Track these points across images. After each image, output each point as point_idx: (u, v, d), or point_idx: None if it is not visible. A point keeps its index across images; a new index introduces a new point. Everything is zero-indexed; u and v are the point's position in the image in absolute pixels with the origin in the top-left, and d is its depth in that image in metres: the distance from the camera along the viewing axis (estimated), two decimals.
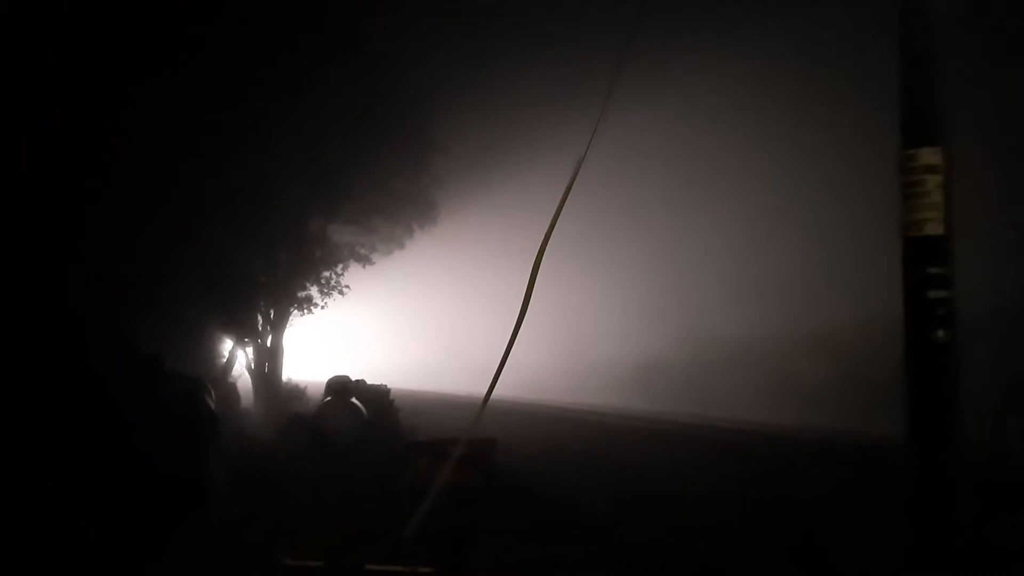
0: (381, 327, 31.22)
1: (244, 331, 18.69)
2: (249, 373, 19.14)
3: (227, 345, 18.90)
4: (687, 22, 16.28)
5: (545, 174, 21.89)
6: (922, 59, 4.93)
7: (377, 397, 14.24)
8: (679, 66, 18.08)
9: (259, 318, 19.19)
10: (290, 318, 20.14)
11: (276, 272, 18.83)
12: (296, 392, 19.52)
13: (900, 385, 4.72)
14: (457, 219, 25.68)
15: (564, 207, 5.57)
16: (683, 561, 6.72)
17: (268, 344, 19.44)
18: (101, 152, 12.10)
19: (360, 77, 17.01)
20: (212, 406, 7.54)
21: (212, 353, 18.14)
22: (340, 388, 13.41)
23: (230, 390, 17.45)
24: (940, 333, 4.63)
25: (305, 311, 20.49)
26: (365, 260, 21.73)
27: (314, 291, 20.34)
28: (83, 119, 11.40)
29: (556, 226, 5.56)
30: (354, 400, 12.92)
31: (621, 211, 21.92)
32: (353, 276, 21.63)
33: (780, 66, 17.49)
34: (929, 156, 4.80)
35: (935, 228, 4.73)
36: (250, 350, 19.12)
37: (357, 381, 14.20)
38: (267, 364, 19.27)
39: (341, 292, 21.10)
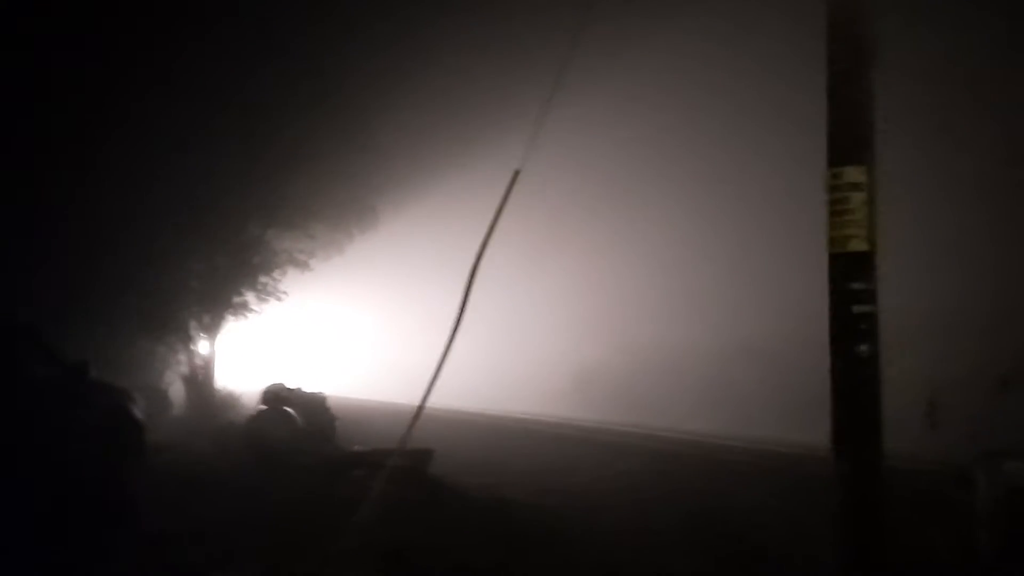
0: (319, 334, 30.82)
1: (177, 337, 18.30)
2: (182, 381, 18.75)
3: (160, 352, 18.48)
4: (621, 40, 16.49)
5: (486, 181, 21.83)
6: (848, 80, 5.05)
7: (313, 405, 14.06)
8: (617, 82, 18.32)
9: (193, 324, 18.81)
10: (226, 324, 19.80)
11: (212, 277, 18.49)
12: (230, 400, 19.18)
13: (827, 396, 4.83)
14: (397, 226, 25.53)
15: (501, 215, 5.59)
16: (624, 569, 6.75)
17: (202, 351, 19.07)
18: (26, 156, 11.76)
19: (301, 82, 16.84)
20: (139, 416, 7.37)
21: (144, 361, 17.71)
22: (275, 396, 13.26)
23: (161, 398, 17.06)
24: (863, 347, 4.74)
25: (241, 317, 20.18)
26: (304, 266, 21.48)
27: (251, 297, 20.04)
28: (4, 122, 11.07)
29: (493, 235, 5.58)
30: (289, 408, 12.76)
31: (558, 221, 22.08)
32: (291, 282, 21.37)
33: (714, 83, 17.84)
34: (854, 174, 4.91)
35: (859, 244, 4.84)
36: (183, 357, 18.72)
37: (293, 389, 14.03)
38: (201, 371, 18.89)
39: (279, 298, 20.83)
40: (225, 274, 18.92)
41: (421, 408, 5.60)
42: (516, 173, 5.49)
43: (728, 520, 9.10)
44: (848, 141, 5.01)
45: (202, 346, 19.18)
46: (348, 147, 18.71)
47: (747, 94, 17.01)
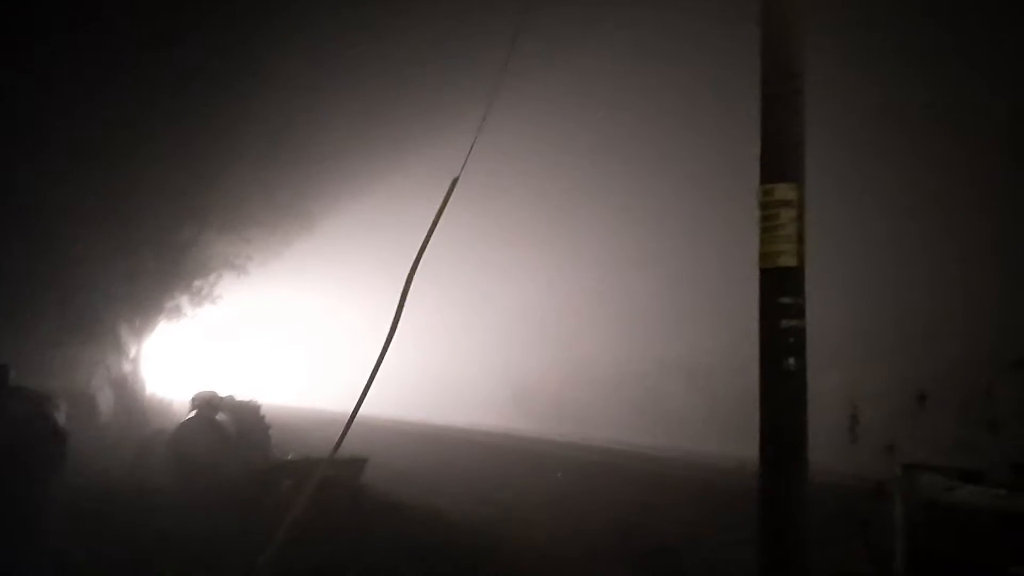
0: (254, 340, 30.25)
1: (105, 341, 17.77)
2: (110, 386, 18.19)
3: (86, 356, 17.91)
4: (556, 56, 16.64)
5: (424, 190, 21.77)
6: (780, 101, 5.16)
7: (246, 413, 13.77)
8: (553, 97, 18.46)
9: (122, 327, 18.29)
10: (157, 328, 19.32)
11: (141, 279, 18.01)
12: (160, 407, 18.67)
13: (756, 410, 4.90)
14: (335, 232, 25.24)
15: (438, 224, 5.57)
16: None
17: (132, 355, 18.55)
18: None
19: (238, 85, 16.56)
20: (61, 422, 7.11)
21: (69, 365, 17.14)
22: (206, 403, 12.95)
23: (87, 405, 16.51)
24: (791, 360, 4.83)
25: (173, 321, 19.72)
26: (240, 270, 21.05)
27: (184, 300, 19.60)
28: None
29: (430, 243, 5.55)
30: (220, 416, 12.49)
31: (497, 232, 22.12)
32: (226, 286, 20.96)
33: (651, 101, 18.10)
34: (785, 192, 5.00)
35: (788, 260, 4.93)
36: (112, 362, 18.18)
37: (225, 396, 13.73)
38: (130, 377, 18.37)
39: (213, 302, 20.41)
40: (156, 277, 18.45)
41: (353, 416, 5.53)
42: (454, 181, 5.47)
43: (657, 531, 9.21)
44: (779, 160, 5.11)
45: (131, 350, 18.66)
46: (285, 151, 18.45)
47: (683, 111, 17.29)
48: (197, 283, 19.78)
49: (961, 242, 11.61)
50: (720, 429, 14.39)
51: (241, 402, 14.13)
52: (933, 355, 8.87)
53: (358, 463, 9.88)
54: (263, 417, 14.59)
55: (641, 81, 18.11)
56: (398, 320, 5.38)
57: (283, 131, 17.87)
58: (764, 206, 5.08)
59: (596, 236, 20.87)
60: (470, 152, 5.62)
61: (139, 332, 18.83)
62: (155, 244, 17.83)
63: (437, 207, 5.59)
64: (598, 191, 20.40)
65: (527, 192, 20.59)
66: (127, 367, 18.33)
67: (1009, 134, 10.71)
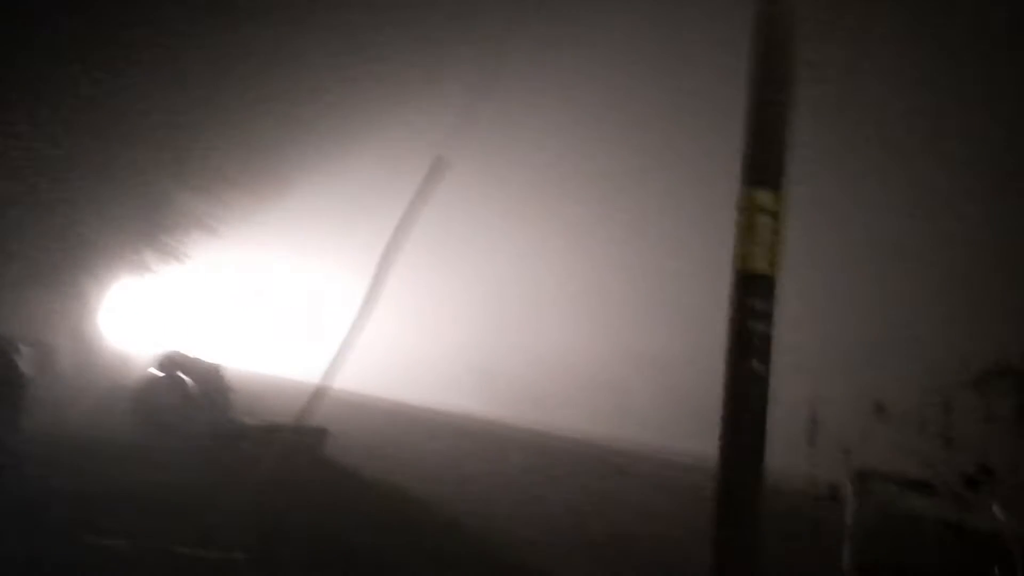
0: (221, 301, 29.93)
1: (68, 290, 17.51)
2: (71, 337, 17.94)
3: (48, 304, 17.63)
4: (546, 49, 16.64)
5: (401, 161, 21.73)
6: (766, 109, 5.23)
7: (209, 375, 13.67)
8: (537, 90, 18.43)
9: (86, 278, 18.03)
10: (122, 281, 19.08)
11: (109, 231, 17.73)
12: (122, 362, 18.47)
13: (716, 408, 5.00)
14: (312, 197, 25.02)
15: (416, 208, 5.58)
16: (511, 563, 6.84)
17: (93, 307, 18.31)
18: None
19: (219, 46, 16.33)
20: (21, 368, 7.04)
21: (31, 312, 16.88)
22: (170, 362, 12.87)
23: (47, 353, 16.29)
24: (756, 363, 4.92)
25: (139, 276, 19.49)
26: (211, 230, 20.82)
27: (150, 256, 19.36)
28: None
29: (401, 226, 5.56)
30: (183, 376, 12.42)
31: (468, 213, 22.11)
32: (196, 245, 20.73)
33: (637, 96, 18.15)
34: (765, 198, 5.08)
35: (763, 266, 5.01)
36: (72, 311, 17.92)
37: (189, 356, 13.64)
38: (92, 329, 18.14)
39: (180, 260, 20.18)
40: (124, 229, 18.19)
41: (320, 387, 5.56)
42: (438, 159, 5.48)
43: (613, 519, 9.36)
44: (762, 166, 5.18)
45: (93, 301, 18.43)
46: (265, 114, 18.25)
47: (670, 109, 17.36)
48: (165, 239, 19.53)
49: (926, 259, 11.88)
50: (681, 424, 14.59)
51: (205, 363, 14.05)
52: (893, 368, 9.09)
53: (318, 433, 9.89)
54: (225, 380, 14.52)
55: (629, 78, 18.15)
56: (375, 294, 5.39)
57: (264, 94, 17.67)
58: (743, 210, 5.15)
59: (569, 224, 20.91)
60: (456, 131, 5.65)
61: (102, 283, 18.59)
62: (125, 196, 17.57)
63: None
64: (575, 180, 20.44)
65: (503, 175, 20.58)
66: (89, 319, 18.10)
67: (990, 154, 10.96)
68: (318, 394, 5.60)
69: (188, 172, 18.64)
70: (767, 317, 5.05)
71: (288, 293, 32.35)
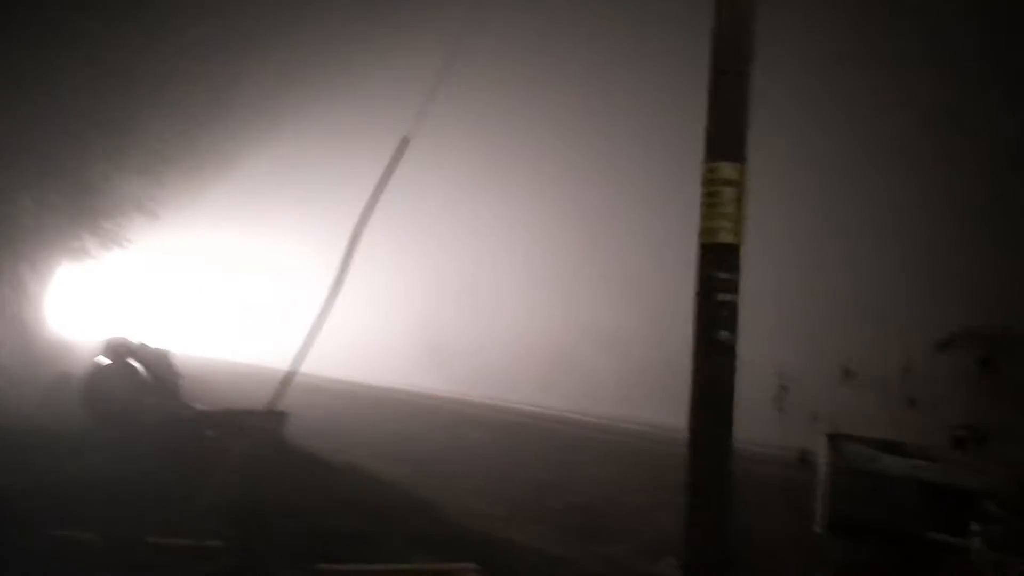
0: (166, 287, 29.35)
1: (6, 280, 16.99)
2: (12, 328, 17.41)
3: None
4: (499, 33, 16.57)
5: (355, 139, 21.52)
6: (728, 81, 5.32)
7: (158, 361, 13.43)
8: (497, 68, 18.32)
9: (24, 265, 17.51)
10: (61, 269, 18.59)
11: (47, 216, 17.23)
12: (64, 350, 18.02)
13: (683, 378, 5.11)
14: (259, 180, 24.58)
15: (382, 189, 5.56)
16: (477, 537, 6.91)
17: (33, 294, 17.80)
18: None
19: (159, 21, 15.87)
20: None
21: None
22: (118, 349, 12.58)
23: None
24: (724, 333, 5.05)
25: (79, 262, 19.00)
26: (152, 214, 20.36)
27: (91, 242, 18.89)
28: None
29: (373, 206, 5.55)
30: (133, 362, 12.17)
31: (419, 190, 21.99)
32: (138, 230, 20.27)
33: (598, 70, 18.15)
34: (728, 171, 5.19)
35: (727, 237, 5.14)
36: (13, 302, 17.40)
37: (137, 343, 13.37)
38: (32, 317, 17.64)
39: (122, 246, 19.74)
40: (62, 214, 17.69)
41: (291, 373, 5.53)
42: (405, 140, 5.46)
43: (574, 490, 9.50)
44: (725, 139, 5.29)
45: (33, 289, 17.91)
46: (210, 93, 17.85)
47: (631, 85, 17.38)
48: (106, 224, 19.06)
49: (892, 227, 12.21)
50: (645, 396, 14.80)
51: (153, 349, 13.79)
52: (859, 334, 9.36)
53: (280, 416, 9.80)
54: (174, 366, 14.28)
55: (589, 52, 18.13)
56: (343, 276, 5.36)
57: (207, 71, 17.26)
58: (708, 183, 5.26)
59: (527, 201, 20.93)
60: (419, 112, 5.62)
61: (41, 270, 18.09)
62: (63, 180, 17.06)
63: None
64: (534, 159, 20.43)
65: (455, 151, 20.47)
66: (29, 307, 17.60)
67: (951, 120, 11.26)
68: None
69: (127, 154, 18.18)
70: (733, 287, 5.18)
71: (234, 277, 31.86)
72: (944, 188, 11.07)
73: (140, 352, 12.78)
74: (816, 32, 12.62)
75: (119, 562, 4.65)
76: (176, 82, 17.05)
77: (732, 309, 5.15)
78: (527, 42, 18.84)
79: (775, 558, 4.71)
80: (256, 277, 31.05)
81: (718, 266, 5.19)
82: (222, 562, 4.92)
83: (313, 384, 15.39)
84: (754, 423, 4.89)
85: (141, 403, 10.50)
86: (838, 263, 12.42)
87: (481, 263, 23.02)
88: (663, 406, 10.01)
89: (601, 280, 18.75)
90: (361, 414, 15.91)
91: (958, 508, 3.85)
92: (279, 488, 7.46)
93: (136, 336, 13.80)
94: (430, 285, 24.87)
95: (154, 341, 14.49)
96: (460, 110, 16.35)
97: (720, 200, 5.18)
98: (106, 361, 12.02)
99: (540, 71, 19.20)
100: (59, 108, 15.40)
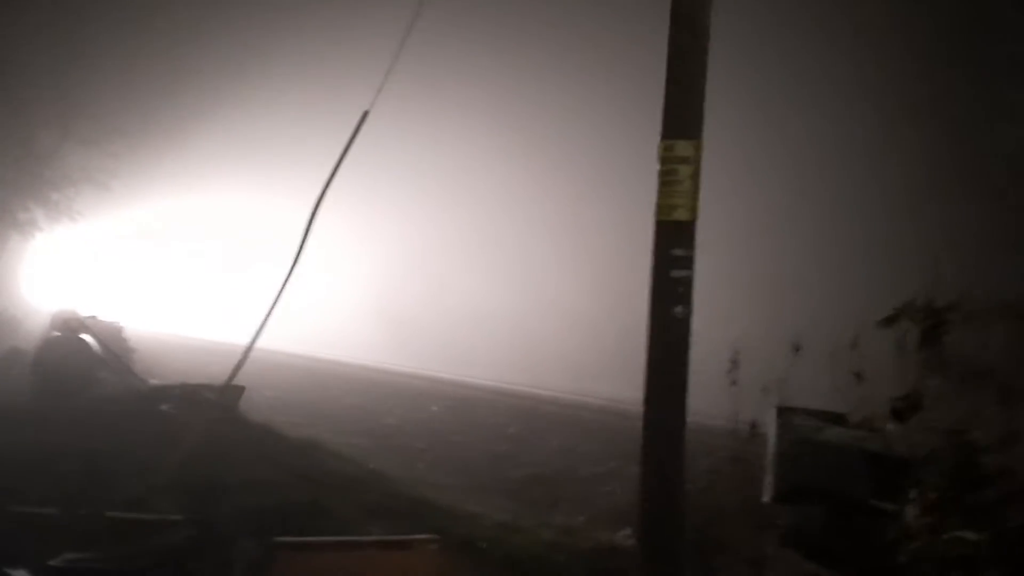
0: (116, 260, 28.74)
1: None
2: None
3: None
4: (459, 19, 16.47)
5: (306, 110, 21.28)
6: (685, 57, 5.38)
7: (109, 335, 13.24)
8: (456, 42, 18.19)
9: None
10: (9, 241, 18.18)
11: None
12: (15, 324, 17.62)
13: (639, 353, 5.20)
14: (215, 153, 24.12)
15: (341, 163, 5.56)
16: (436, 509, 6.98)
17: None
18: None
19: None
20: None
21: None
22: (69, 323, 12.38)
23: None
24: (679, 309, 5.15)
25: (28, 235, 18.60)
26: (103, 186, 19.94)
27: (39, 214, 18.49)
28: None
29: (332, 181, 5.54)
30: (85, 336, 11.99)
31: (378, 164, 21.83)
32: (88, 202, 19.85)
33: (556, 47, 18.15)
34: (684, 148, 5.26)
35: (683, 214, 5.22)
36: None
37: (88, 316, 13.17)
38: None
39: (72, 218, 19.35)
40: (10, 187, 17.28)
41: (249, 348, 5.53)
42: (364, 114, 5.45)
43: (531, 461, 9.65)
44: (681, 117, 5.35)
45: None
46: (162, 65, 17.48)
47: (590, 63, 17.42)
48: (55, 197, 18.65)
49: (842, 208, 12.50)
50: (597, 370, 14.98)
51: (104, 323, 13.60)
52: (810, 310, 9.59)
53: (236, 390, 9.74)
54: (126, 340, 14.10)
55: (553, 29, 18.08)
56: (302, 253, 5.36)
57: (161, 41, 16.92)
58: (664, 161, 5.32)
59: (485, 177, 20.90)
60: (380, 85, 5.61)
61: None
62: (11, 153, 16.66)
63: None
64: (493, 134, 20.38)
65: (414, 126, 20.31)
66: None
67: (905, 95, 11.49)
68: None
69: (73, 125, 17.80)
70: (688, 263, 5.27)
71: (190, 250, 31.34)
72: (894, 165, 11.36)
73: (91, 326, 12.60)
74: (774, 15, 12.79)
75: (78, 537, 4.64)
76: (126, 51, 16.70)
77: (687, 285, 5.23)
78: (488, 17, 18.75)
79: (726, 526, 4.87)
80: (213, 250, 30.59)
81: (673, 243, 5.26)
82: (180, 535, 4.93)
83: (272, 359, 15.29)
84: (707, 396, 5.01)
85: (93, 377, 10.36)
86: (790, 243, 12.71)
87: (442, 240, 22.99)
88: (619, 380, 10.18)
89: (560, 257, 18.87)
90: (317, 389, 15.87)
91: (897, 475, 4.03)
92: (236, 462, 7.45)
93: (87, 310, 13.60)
94: (391, 260, 24.76)
95: (106, 315, 14.30)
96: (421, 85, 16.25)
97: (676, 178, 5.24)
98: (57, 335, 11.84)
99: (500, 48, 19.13)
100: (4, 76, 15.03)
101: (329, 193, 6.12)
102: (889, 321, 4.31)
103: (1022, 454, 3.95)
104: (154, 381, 11.51)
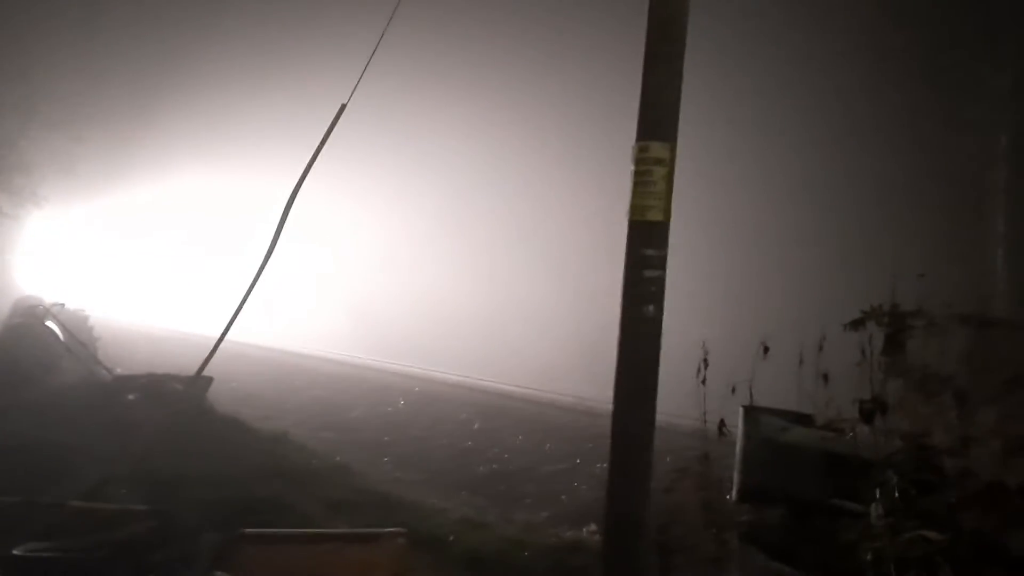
0: (83, 248, 28.27)
1: None
2: None
3: None
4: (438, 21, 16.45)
5: (282, 97, 21.10)
6: (661, 59, 5.42)
7: (74, 323, 13.04)
8: (432, 39, 18.15)
9: None
10: None
11: None
12: None
13: (609, 352, 5.24)
14: (185, 140, 23.81)
15: (316, 157, 5.52)
16: (400, 503, 7.00)
17: None
18: None
19: None
20: None
21: None
22: (32, 309, 12.19)
23: None
24: (650, 308, 5.19)
25: None
26: (69, 171, 19.62)
27: (3, 199, 18.16)
28: None
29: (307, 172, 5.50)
30: (50, 324, 11.81)
31: (344, 156, 21.70)
32: (53, 187, 19.52)
33: (532, 46, 18.17)
34: (658, 150, 5.30)
35: (656, 215, 5.26)
36: None
37: (52, 304, 12.96)
38: None
39: (37, 204, 19.03)
40: None
41: (218, 340, 5.48)
42: (342, 107, 5.42)
43: (494, 457, 9.69)
44: (655, 118, 5.40)
45: None
46: (133, 51, 17.24)
47: (566, 63, 17.44)
48: (19, 182, 18.32)
49: (807, 209, 12.67)
50: (566, 368, 15.04)
51: (68, 311, 13.39)
52: (779, 312, 9.70)
53: (204, 381, 9.65)
54: (92, 328, 13.91)
55: (528, 28, 18.09)
56: (275, 245, 5.32)
57: (134, 26, 16.68)
58: (638, 162, 5.36)
59: (454, 173, 20.88)
60: (357, 79, 5.58)
61: None
62: None
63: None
64: (463, 131, 20.36)
65: (386, 121, 20.21)
66: None
67: (881, 101, 11.65)
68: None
69: (40, 108, 17.49)
70: (660, 263, 5.32)
71: (157, 238, 30.94)
72: (865, 171, 11.54)
73: (56, 313, 12.41)
74: (748, 20, 12.91)
75: (41, 527, 4.58)
76: (92, 30, 16.45)
77: (659, 285, 5.27)
78: (464, 11, 18.72)
79: (691, 524, 4.93)
80: (183, 240, 30.23)
81: (646, 243, 5.30)
82: (142, 526, 4.88)
83: (240, 351, 15.18)
84: (677, 395, 5.07)
85: (56, 366, 10.20)
86: (760, 246, 12.86)
87: (411, 236, 22.93)
88: (588, 378, 10.25)
89: (530, 256, 18.92)
90: (283, 382, 15.79)
91: (860, 476, 4.10)
92: (202, 453, 7.40)
93: (52, 298, 13.39)
94: (360, 255, 24.66)
95: (71, 303, 14.08)
96: (395, 80, 16.21)
97: (650, 179, 5.28)
98: (19, 321, 11.65)
99: (475, 44, 19.12)
100: None
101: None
102: (855, 324, 4.39)
103: (980, 457, 4.04)
104: (119, 371, 11.36)
